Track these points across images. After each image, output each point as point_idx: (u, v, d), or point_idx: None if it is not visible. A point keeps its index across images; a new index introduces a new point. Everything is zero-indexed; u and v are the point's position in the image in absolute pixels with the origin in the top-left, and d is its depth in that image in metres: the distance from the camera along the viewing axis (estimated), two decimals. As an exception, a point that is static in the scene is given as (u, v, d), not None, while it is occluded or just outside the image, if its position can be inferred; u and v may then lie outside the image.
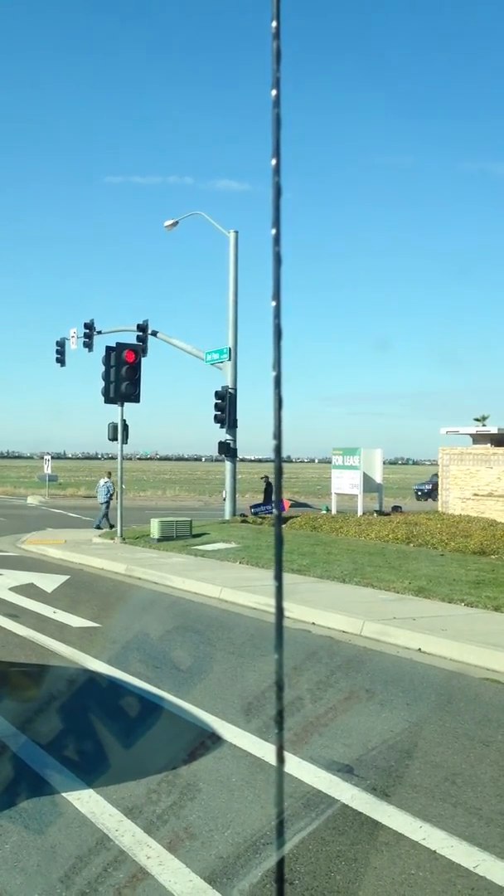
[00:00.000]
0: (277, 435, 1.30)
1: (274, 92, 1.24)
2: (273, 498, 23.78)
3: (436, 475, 45.91)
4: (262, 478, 33.52)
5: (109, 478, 26.04)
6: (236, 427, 27.53)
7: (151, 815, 4.58)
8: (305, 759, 5.41)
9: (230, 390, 27.41)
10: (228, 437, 27.42)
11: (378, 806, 4.74)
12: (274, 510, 28.90)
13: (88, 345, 31.44)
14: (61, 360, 32.69)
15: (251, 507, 29.31)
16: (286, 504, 29.46)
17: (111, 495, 25.49)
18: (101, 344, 26.75)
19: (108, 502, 25.58)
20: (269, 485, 32.05)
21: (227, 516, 26.86)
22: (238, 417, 27.58)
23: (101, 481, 26.48)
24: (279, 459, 1.31)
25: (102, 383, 20.98)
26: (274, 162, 1.24)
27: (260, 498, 33.53)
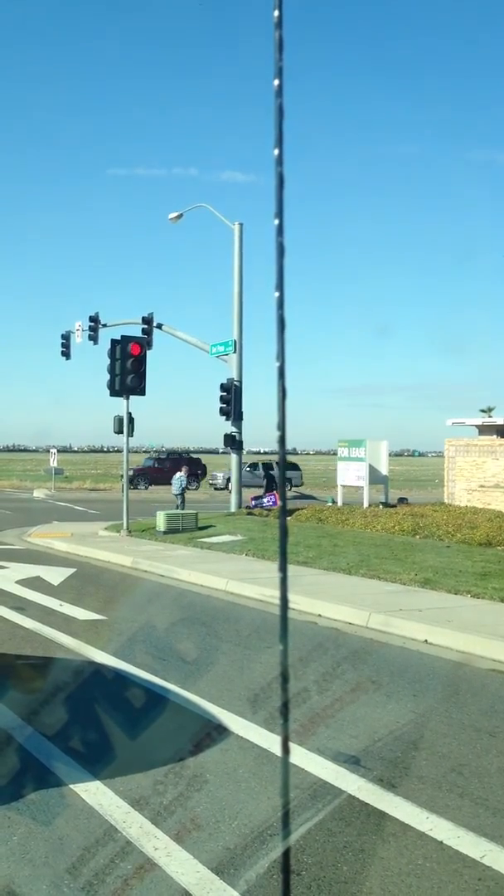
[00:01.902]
0: (281, 426, 1.30)
1: (276, 81, 1.23)
2: (275, 488, 23.84)
3: (150, 459, 47.10)
4: (263, 465, 33.49)
5: (184, 472, 27.99)
6: (242, 419, 27.51)
7: (158, 807, 4.60)
8: (312, 751, 5.42)
9: (235, 382, 27.37)
10: (234, 429, 27.40)
11: (384, 797, 4.75)
12: (267, 502, 29.11)
13: (94, 338, 31.47)
14: (67, 354, 32.72)
15: (252, 499, 29.29)
16: (277, 498, 29.50)
17: (185, 488, 27.66)
18: (106, 337, 26.85)
19: (182, 494, 27.38)
20: (269, 476, 32.04)
21: (233, 508, 26.86)
22: (244, 410, 27.58)
23: (177, 475, 27.95)
24: (283, 451, 1.31)
25: (108, 376, 20.98)
26: (277, 152, 1.24)
27: (260, 491, 33.46)
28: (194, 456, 55.37)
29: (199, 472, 48.07)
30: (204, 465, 49.83)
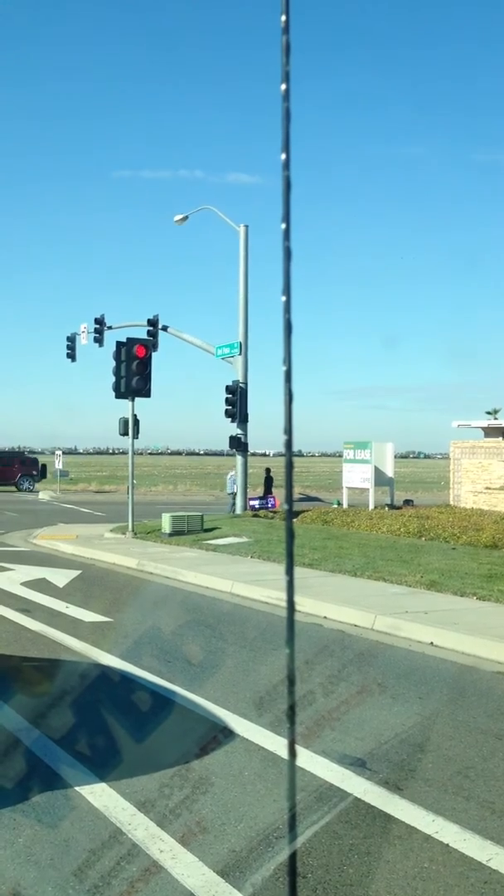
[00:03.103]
0: (288, 430, 1.30)
1: (283, 86, 1.23)
2: (272, 490, 23.66)
3: None
4: (265, 469, 33.42)
5: (235, 472, 28.87)
6: (247, 421, 27.50)
7: (164, 809, 4.60)
8: (318, 753, 5.42)
9: (241, 384, 27.37)
10: (239, 431, 27.40)
11: (390, 800, 4.74)
12: (269, 504, 29.39)
13: (99, 340, 31.47)
14: (72, 356, 32.76)
15: (249, 501, 29.22)
16: (276, 502, 29.51)
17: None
18: (111, 339, 26.87)
19: (234, 493, 28.40)
20: (268, 477, 31.96)
21: (239, 510, 26.87)
22: (249, 412, 27.57)
23: (230, 474, 29.20)
24: (290, 454, 1.31)
25: (113, 378, 21.02)
26: (284, 157, 1.24)
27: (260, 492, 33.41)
28: (31, 456, 52.91)
29: (35, 472, 47.06)
30: (43, 466, 47.87)
